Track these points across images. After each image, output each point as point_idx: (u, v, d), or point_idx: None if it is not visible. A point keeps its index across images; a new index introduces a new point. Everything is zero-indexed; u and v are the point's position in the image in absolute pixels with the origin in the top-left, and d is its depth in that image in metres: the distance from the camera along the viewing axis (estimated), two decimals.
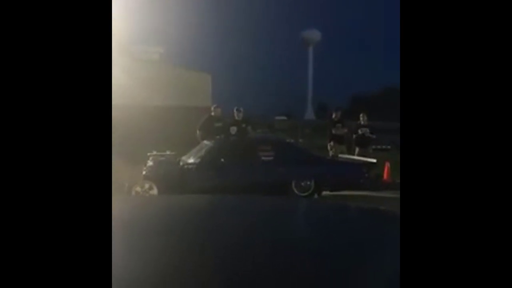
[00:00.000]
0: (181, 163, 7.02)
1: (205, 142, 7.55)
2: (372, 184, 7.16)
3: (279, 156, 7.16)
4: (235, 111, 8.52)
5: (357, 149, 9.25)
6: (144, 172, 6.78)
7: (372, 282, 0.81)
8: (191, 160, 7.04)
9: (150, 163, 7.14)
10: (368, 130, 9.37)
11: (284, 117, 45.59)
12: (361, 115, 9.59)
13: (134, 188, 6.50)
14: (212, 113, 8.52)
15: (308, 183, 7.04)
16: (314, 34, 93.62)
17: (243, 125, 8.45)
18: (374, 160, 7.35)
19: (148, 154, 7.63)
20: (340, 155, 8.53)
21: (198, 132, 8.32)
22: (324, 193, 7.11)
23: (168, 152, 7.98)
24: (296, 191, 6.98)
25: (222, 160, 6.93)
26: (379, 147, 12.32)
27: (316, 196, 6.95)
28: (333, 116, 9.77)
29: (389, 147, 13.59)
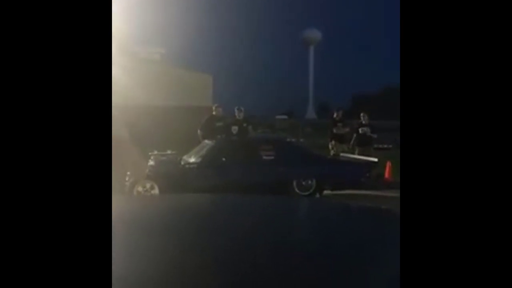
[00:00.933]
0: (182, 163, 7.02)
1: (206, 141, 7.55)
2: (373, 183, 7.15)
3: (280, 156, 7.16)
4: (236, 110, 8.53)
5: (358, 149, 9.24)
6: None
7: (374, 281, 0.81)
8: (192, 160, 7.04)
9: (151, 162, 7.14)
10: (369, 130, 9.36)
11: (285, 117, 45.59)
12: (361, 114, 9.58)
13: (135, 187, 6.51)
14: (213, 113, 8.52)
15: (310, 182, 7.04)
16: (314, 34, 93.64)
17: (244, 125, 8.45)
18: (376, 159, 7.34)
19: (150, 153, 7.64)
20: (341, 154, 8.53)
21: (199, 131, 8.32)
22: (326, 192, 7.11)
23: (169, 152, 7.99)
24: (297, 190, 6.98)
25: (223, 159, 6.93)
26: (380, 146, 12.31)
27: (317, 195, 6.95)
28: (334, 115, 9.77)
29: (390, 146, 13.57)
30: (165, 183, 6.48)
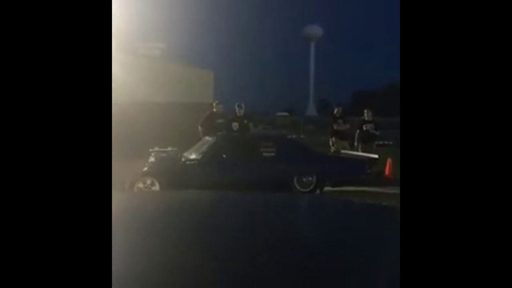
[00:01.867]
0: (182, 159, 7.03)
1: (207, 138, 7.55)
2: (374, 180, 7.16)
3: (280, 152, 7.16)
4: (236, 107, 8.52)
5: (361, 145, 9.22)
6: (146, 168, 6.80)
7: (374, 278, 0.81)
8: (192, 156, 7.04)
9: (152, 159, 7.15)
10: (372, 126, 9.33)
11: (285, 113, 45.55)
12: (365, 111, 9.55)
13: (136, 184, 6.52)
14: (214, 110, 8.52)
15: (310, 179, 7.04)
16: (315, 30, 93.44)
17: (245, 121, 8.45)
18: (376, 156, 7.34)
19: (150, 150, 7.65)
20: (342, 151, 8.53)
21: (200, 128, 8.32)
22: (326, 189, 7.11)
23: (170, 148, 7.99)
24: (298, 187, 6.99)
25: (224, 156, 6.94)
26: (381, 142, 12.30)
27: (318, 192, 6.96)
28: (335, 112, 9.76)
29: (391, 142, 13.56)
30: (165, 179, 6.48)
